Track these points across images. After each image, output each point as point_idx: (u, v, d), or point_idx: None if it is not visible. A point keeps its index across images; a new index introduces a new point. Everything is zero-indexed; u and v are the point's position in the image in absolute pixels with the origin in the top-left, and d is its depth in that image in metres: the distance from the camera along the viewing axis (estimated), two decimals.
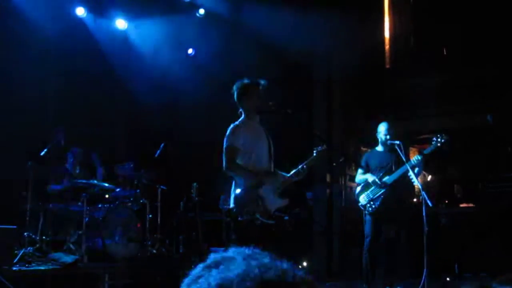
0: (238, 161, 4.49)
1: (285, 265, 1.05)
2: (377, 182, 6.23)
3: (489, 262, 8.01)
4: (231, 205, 4.50)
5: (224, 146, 4.51)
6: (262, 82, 4.64)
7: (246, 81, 4.64)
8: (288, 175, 4.71)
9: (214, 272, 1.02)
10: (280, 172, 4.76)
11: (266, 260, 1.05)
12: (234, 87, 4.64)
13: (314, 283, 1.05)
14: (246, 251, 1.08)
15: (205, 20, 10.17)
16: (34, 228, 7.23)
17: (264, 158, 4.59)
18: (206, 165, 8.15)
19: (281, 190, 4.60)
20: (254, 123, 4.66)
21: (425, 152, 6.18)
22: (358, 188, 6.49)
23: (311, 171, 4.91)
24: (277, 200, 4.54)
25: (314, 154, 4.80)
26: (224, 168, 4.47)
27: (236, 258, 1.05)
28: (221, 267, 1.03)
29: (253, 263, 1.02)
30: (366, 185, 6.36)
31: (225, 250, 1.10)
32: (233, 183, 4.56)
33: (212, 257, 1.08)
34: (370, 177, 6.34)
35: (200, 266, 1.07)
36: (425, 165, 6.35)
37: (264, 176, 4.49)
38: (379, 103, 9.67)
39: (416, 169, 6.21)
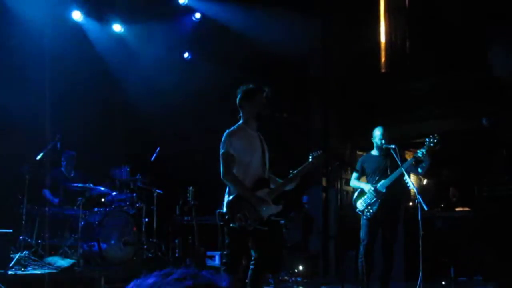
0: (234, 170, 4.50)
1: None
2: (371, 191, 6.24)
3: (484, 266, 8.04)
4: (224, 210, 4.51)
5: (220, 152, 4.53)
6: (266, 89, 4.67)
7: (251, 86, 4.67)
8: (281, 182, 4.73)
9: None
10: (274, 178, 4.78)
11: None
12: (239, 91, 4.67)
13: None
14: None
15: (201, 24, 10.19)
16: (30, 232, 7.23)
17: (258, 165, 4.59)
18: (202, 169, 8.16)
19: (273, 196, 4.61)
20: (250, 129, 4.66)
21: (418, 153, 6.19)
22: (355, 194, 6.50)
23: (307, 175, 4.92)
24: (271, 206, 4.54)
25: (310, 159, 4.81)
26: (221, 176, 4.49)
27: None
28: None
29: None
30: (363, 191, 6.38)
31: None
32: (227, 188, 4.57)
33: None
34: (365, 186, 6.36)
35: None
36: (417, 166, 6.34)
37: (255, 190, 4.49)
38: (375, 107, 9.70)
39: (423, 164, 6.21)
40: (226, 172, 4.46)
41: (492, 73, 8.78)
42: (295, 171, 4.71)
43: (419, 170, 6.30)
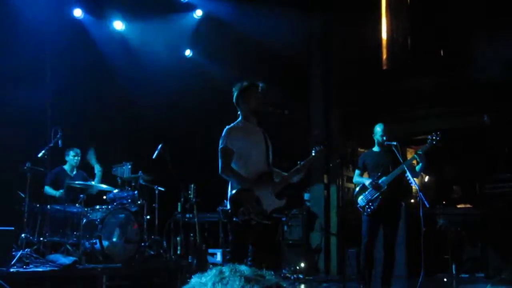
0: (233, 164, 4.50)
1: None
2: (373, 185, 6.24)
3: (486, 262, 8.05)
4: (227, 205, 4.51)
5: (219, 148, 4.54)
6: (261, 84, 4.68)
7: (245, 83, 4.69)
8: (286, 174, 4.73)
9: None
10: (279, 171, 4.77)
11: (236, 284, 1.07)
12: (234, 89, 4.70)
13: None
14: (222, 273, 1.10)
15: (202, 21, 10.18)
16: (32, 230, 7.22)
17: (261, 160, 4.60)
18: (203, 166, 8.17)
19: (277, 190, 4.60)
20: (251, 125, 4.68)
21: (420, 151, 6.19)
22: (356, 189, 6.52)
23: (309, 172, 4.93)
24: (274, 200, 4.54)
25: (313, 154, 4.82)
26: (219, 171, 4.50)
27: (207, 285, 1.08)
28: None
29: None
30: (364, 187, 6.38)
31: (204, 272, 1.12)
32: (229, 183, 4.57)
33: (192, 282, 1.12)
34: (366, 181, 6.37)
35: None
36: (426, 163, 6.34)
37: (257, 182, 4.49)
38: (376, 104, 9.69)
39: (419, 165, 6.23)
40: (225, 167, 4.48)
41: (492, 70, 8.78)
42: (298, 165, 4.72)
43: (417, 169, 6.31)
